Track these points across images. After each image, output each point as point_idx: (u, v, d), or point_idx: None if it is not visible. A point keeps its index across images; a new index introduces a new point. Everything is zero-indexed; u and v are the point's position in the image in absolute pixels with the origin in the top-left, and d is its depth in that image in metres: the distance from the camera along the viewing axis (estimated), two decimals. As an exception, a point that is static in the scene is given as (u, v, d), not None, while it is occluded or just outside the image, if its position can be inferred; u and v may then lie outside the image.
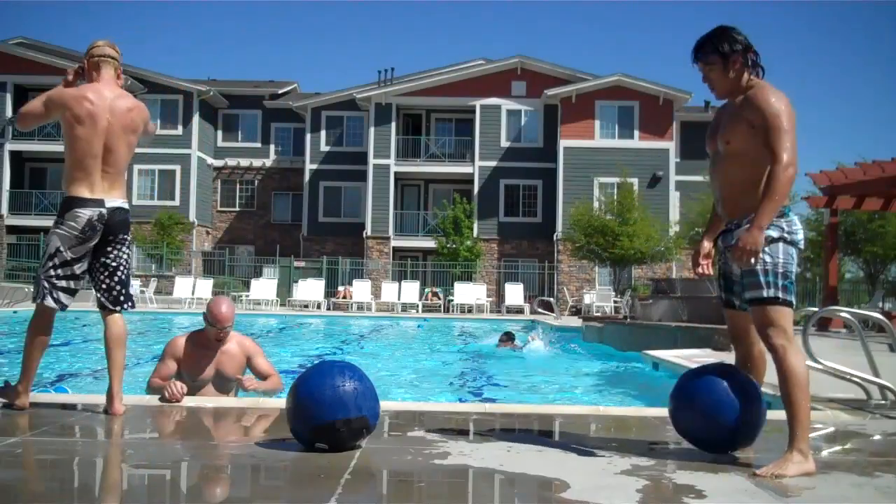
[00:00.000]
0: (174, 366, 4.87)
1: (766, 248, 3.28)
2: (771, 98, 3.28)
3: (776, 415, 4.22)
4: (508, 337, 12.90)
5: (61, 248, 4.11)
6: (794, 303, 3.35)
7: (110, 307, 4.22)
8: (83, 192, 4.12)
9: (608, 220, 27.38)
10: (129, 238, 4.31)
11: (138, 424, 4.20)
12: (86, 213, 4.09)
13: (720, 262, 3.59)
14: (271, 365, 5.17)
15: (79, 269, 4.18)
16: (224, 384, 4.96)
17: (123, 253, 4.27)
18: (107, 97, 4.21)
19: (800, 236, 3.38)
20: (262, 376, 5.02)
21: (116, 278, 4.24)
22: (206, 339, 4.94)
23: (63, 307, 4.18)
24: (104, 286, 4.23)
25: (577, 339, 14.19)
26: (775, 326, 3.25)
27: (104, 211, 4.13)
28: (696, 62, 3.46)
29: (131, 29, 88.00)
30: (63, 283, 4.15)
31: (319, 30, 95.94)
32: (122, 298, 4.24)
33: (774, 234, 3.30)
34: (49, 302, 4.12)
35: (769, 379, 3.62)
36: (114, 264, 4.24)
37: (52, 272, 4.13)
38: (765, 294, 3.28)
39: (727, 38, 3.38)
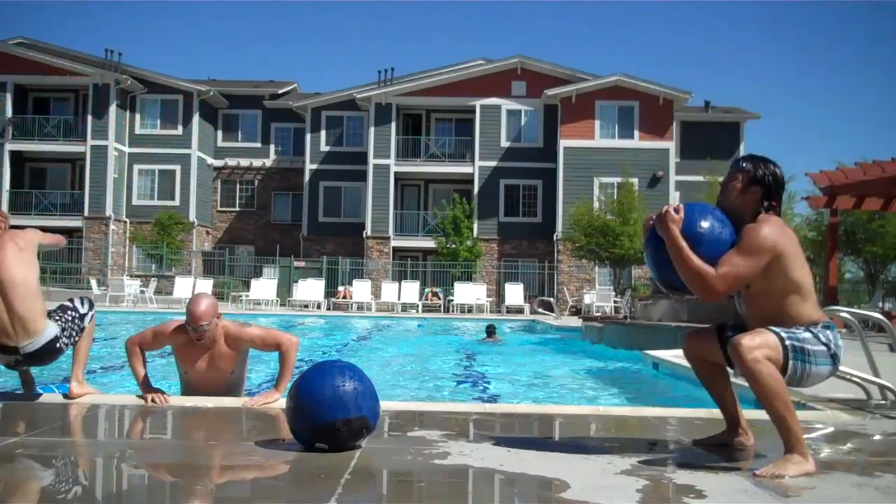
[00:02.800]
0: (157, 342, 4.82)
1: (803, 342, 3.22)
2: (763, 227, 3.25)
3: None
4: (490, 330, 14.15)
5: None
6: (788, 364, 3.21)
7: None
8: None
9: (608, 220, 27.38)
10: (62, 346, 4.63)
11: (138, 424, 4.20)
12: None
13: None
14: (271, 332, 4.94)
15: None
16: (222, 378, 4.86)
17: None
18: None
19: (842, 353, 3.32)
20: (270, 349, 4.88)
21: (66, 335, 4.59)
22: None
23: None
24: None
25: (577, 340, 14.20)
26: (748, 342, 3.14)
27: (20, 357, 4.48)
28: (733, 166, 3.49)
29: (131, 29, 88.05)
30: None
31: (319, 30, 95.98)
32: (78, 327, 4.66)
33: (822, 339, 3.26)
34: None
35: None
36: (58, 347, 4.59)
37: None
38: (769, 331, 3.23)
39: (766, 168, 3.40)
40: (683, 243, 3.25)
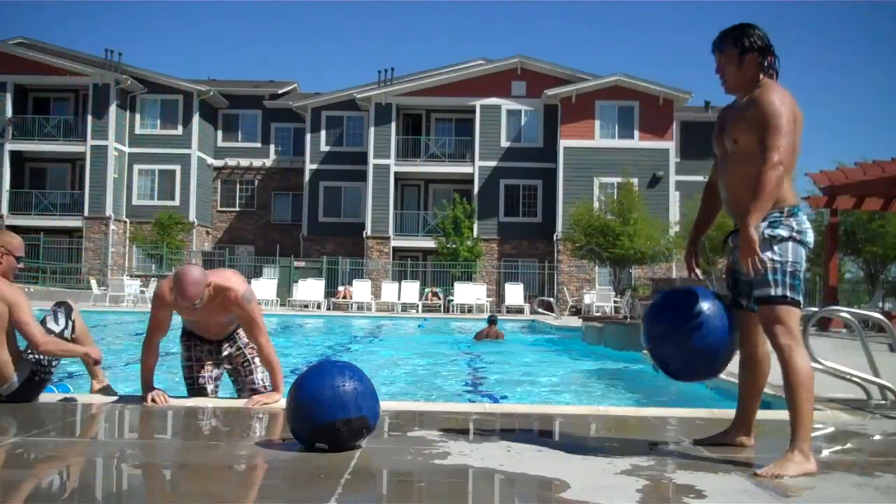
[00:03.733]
0: (165, 316, 4.67)
1: (776, 247, 3.29)
2: (774, 97, 3.28)
3: (776, 414, 4.23)
4: (492, 320, 14.75)
5: None
6: (802, 302, 3.35)
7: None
8: None
9: (609, 220, 27.37)
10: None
11: (138, 424, 4.20)
12: None
13: (730, 261, 3.58)
14: (259, 324, 4.64)
15: None
16: (224, 325, 4.86)
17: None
18: None
19: (809, 236, 3.37)
20: (248, 334, 4.75)
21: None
22: None
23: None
24: None
25: (577, 340, 14.19)
26: (782, 325, 3.25)
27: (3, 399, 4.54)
28: (715, 51, 3.48)
29: (131, 29, 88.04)
30: None
31: (319, 30, 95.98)
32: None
33: (784, 233, 3.30)
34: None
35: (772, 379, 3.62)
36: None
37: None
38: (772, 293, 3.28)
39: (749, 34, 3.40)
40: (759, 206, 3.20)
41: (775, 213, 3.31)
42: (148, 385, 4.67)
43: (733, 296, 3.56)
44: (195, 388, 4.93)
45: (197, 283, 4.41)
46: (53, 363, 4.71)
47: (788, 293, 3.28)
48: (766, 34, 3.43)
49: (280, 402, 4.40)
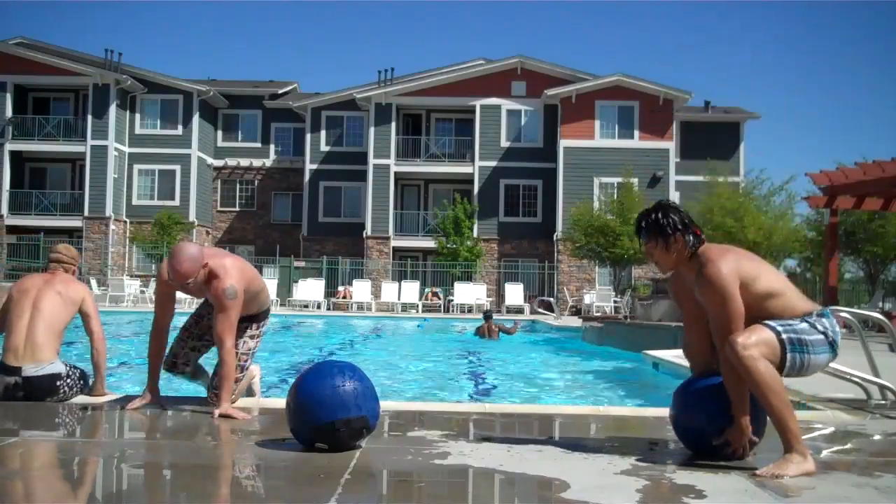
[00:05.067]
0: (164, 293, 4.54)
1: (806, 338, 3.25)
2: (708, 270, 3.24)
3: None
4: (487, 315, 15.07)
5: None
6: (786, 357, 3.23)
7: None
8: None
9: (609, 220, 27.37)
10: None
11: (138, 424, 4.20)
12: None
13: None
14: (228, 323, 4.36)
15: None
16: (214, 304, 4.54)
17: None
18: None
19: (839, 339, 3.33)
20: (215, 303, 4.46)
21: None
22: None
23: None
24: None
25: (577, 340, 14.19)
26: (750, 340, 3.15)
27: (19, 380, 4.55)
28: (640, 239, 3.48)
29: (131, 29, 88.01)
30: None
31: (319, 30, 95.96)
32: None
33: (819, 329, 3.28)
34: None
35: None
36: None
37: None
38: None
39: (667, 220, 3.37)
40: (739, 402, 3.21)
41: (794, 320, 3.28)
42: (152, 372, 4.55)
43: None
44: (180, 344, 4.76)
45: (191, 260, 4.19)
46: (76, 390, 4.73)
47: (783, 336, 3.22)
48: (683, 212, 3.41)
49: (279, 400, 4.38)
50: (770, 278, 3.33)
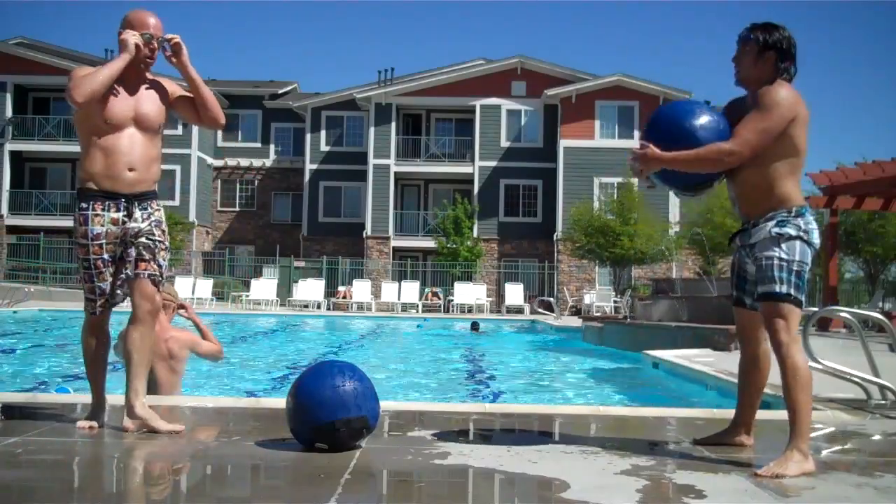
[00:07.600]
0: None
1: (784, 245, 3.30)
2: (774, 90, 3.32)
3: (776, 414, 4.23)
4: (475, 326, 17.71)
5: None
6: (804, 303, 3.37)
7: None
8: None
9: (609, 220, 27.37)
10: None
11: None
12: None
13: (735, 259, 3.59)
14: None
15: None
16: (145, 136, 3.97)
17: None
18: None
19: (816, 237, 3.38)
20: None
21: None
22: (130, 69, 3.96)
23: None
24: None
25: (577, 340, 14.19)
26: (783, 322, 3.26)
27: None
28: (739, 40, 3.50)
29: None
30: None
31: (319, 30, 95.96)
32: None
33: (792, 231, 3.32)
34: None
35: (772, 379, 3.62)
36: None
37: None
38: (777, 289, 3.29)
39: (776, 34, 3.42)
40: (679, 154, 3.39)
41: (783, 212, 3.34)
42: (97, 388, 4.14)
43: (737, 295, 3.57)
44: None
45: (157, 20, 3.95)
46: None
47: (793, 292, 3.29)
48: (794, 42, 3.44)
49: (279, 400, 4.38)
50: (806, 144, 3.38)
